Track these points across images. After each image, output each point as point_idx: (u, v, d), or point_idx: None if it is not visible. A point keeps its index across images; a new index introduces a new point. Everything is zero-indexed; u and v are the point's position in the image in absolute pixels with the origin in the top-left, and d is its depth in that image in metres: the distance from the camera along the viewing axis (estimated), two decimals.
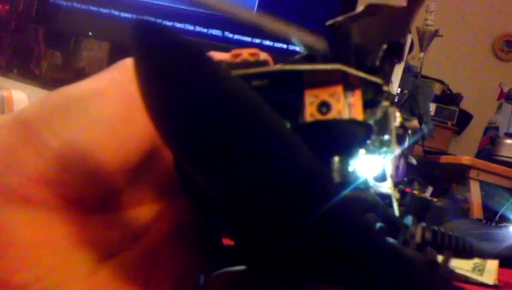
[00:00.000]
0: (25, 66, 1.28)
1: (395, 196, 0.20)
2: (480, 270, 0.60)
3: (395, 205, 0.20)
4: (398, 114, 0.20)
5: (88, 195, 0.18)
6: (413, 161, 1.61)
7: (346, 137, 0.18)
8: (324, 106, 0.17)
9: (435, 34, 1.77)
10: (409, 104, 1.59)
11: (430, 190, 1.81)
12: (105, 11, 1.08)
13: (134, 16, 1.02)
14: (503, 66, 3.22)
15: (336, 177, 0.17)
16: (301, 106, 0.18)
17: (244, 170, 0.14)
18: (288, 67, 0.17)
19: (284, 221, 0.15)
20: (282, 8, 0.95)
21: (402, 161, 1.39)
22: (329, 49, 0.19)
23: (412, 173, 1.60)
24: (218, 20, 0.94)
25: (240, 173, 0.14)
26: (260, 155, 0.13)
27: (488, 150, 2.37)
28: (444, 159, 1.98)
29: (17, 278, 0.17)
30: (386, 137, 0.19)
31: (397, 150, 0.19)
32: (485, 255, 0.66)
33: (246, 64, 0.18)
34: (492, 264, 0.61)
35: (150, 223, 0.21)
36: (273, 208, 0.14)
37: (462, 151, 2.56)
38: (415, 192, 1.49)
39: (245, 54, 0.19)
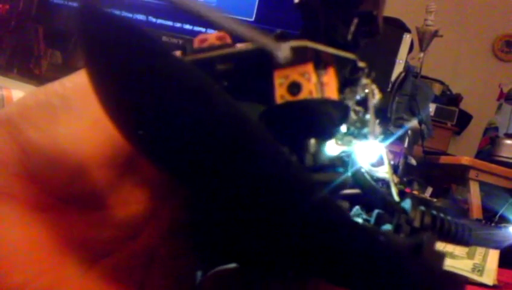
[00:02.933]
0: (24, 66, 1.28)
1: (393, 180, 0.20)
2: (480, 271, 0.60)
3: (393, 189, 0.19)
4: (376, 91, 0.19)
5: (75, 191, 0.18)
6: (413, 162, 1.61)
7: (319, 118, 0.17)
8: (294, 87, 0.16)
9: (435, 34, 1.77)
10: (409, 104, 1.59)
11: (429, 190, 1.81)
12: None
13: (135, 16, 1.02)
14: (503, 67, 3.22)
15: (309, 160, 0.17)
16: (271, 88, 0.17)
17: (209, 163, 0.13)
18: (250, 47, 0.16)
19: (249, 210, 0.14)
20: (282, 8, 0.95)
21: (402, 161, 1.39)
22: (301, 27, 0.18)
23: (411, 174, 1.60)
24: (143, 5, 0.98)
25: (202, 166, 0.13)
26: (214, 145, 0.13)
27: (487, 150, 2.37)
28: (443, 159, 1.98)
29: (5, 282, 0.17)
30: (367, 116, 0.18)
31: (377, 129, 0.18)
32: (484, 244, 0.66)
33: (212, 48, 0.17)
34: (492, 264, 0.61)
35: (143, 222, 0.20)
36: (234, 198, 0.14)
37: (462, 152, 2.55)
38: (415, 192, 1.49)
39: (212, 38, 0.18)
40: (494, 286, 0.60)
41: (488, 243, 0.73)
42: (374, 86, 0.19)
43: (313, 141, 0.17)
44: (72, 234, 0.18)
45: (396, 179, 0.20)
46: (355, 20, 0.18)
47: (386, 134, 0.20)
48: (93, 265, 0.19)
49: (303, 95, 0.16)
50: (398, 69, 1.10)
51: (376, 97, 0.19)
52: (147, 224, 0.20)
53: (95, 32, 0.13)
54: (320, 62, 0.17)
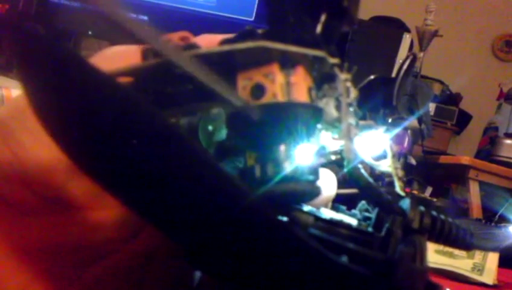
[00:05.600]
0: None
1: (397, 174, 0.19)
2: (480, 270, 0.60)
3: (397, 183, 0.18)
4: (352, 89, 0.17)
5: (69, 194, 0.18)
6: (413, 161, 1.61)
7: (282, 123, 0.15)
8: (258, 89, 0.15)
9: (435, 34, 1.77)
10: (408, 104, 1.59)
11: (429, 190, 1.80)
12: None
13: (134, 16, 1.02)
14: (503, 66, 3.22)
15: (271, 170, 0.15)
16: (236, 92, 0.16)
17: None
18: (212, 49, 0.15)
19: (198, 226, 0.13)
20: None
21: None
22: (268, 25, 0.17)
23: (411, 173, 1.60)
24: None
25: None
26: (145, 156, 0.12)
27: (487, 150, 2.37)
28: (443, 159, 1.98)
29: (0, 288, 0.17)
30: (351, 113, 0.17)
31: (352, 130, 0.17)
32: (485, 248, 0.66)
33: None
34: (492, 264, 0.61)
35: (142, 222, 0.20)
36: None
37: (462, 152, 2.55)
38: (415, 192, 1.49)
39: (175, 38, 0.17)
40: (494, 286, 0.60)
41: (488, 246, 0.73)
42: (349, 84, 0.17)
43: (281, 147, 0.15)
44: (67, 236, 0.18)
45: (401, 173, 0.19)
46: (324, 15, 0.17)
47: (389, 125, 0.19)
48: (91, 266, 0.19)
49: (266, 98, 0.15)
50: (398, 68, 1.10)
51: (351, 95, 0.17)
52: (146, 224, 0.20)
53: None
54: (288, 61, 0.16)
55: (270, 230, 0.13)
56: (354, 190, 0.20)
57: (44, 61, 0.13)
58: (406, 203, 0.18)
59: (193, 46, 0.17)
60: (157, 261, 0.20)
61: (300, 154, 0.16)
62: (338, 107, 0.17)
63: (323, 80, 0.17)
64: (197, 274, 0.22)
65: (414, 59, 0.20)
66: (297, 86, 0.15)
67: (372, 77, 0.19)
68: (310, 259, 0.13)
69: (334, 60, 0.17)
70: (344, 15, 0.17)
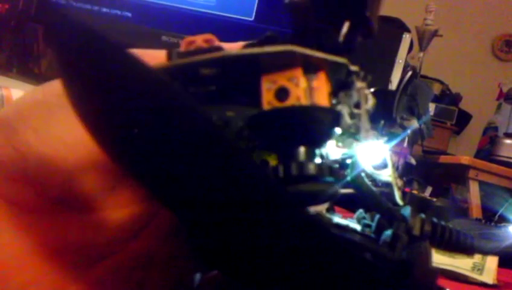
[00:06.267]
0: (24, 65, 1.27)
1: (397, 183, 0.19)
2: (480, 270, 0.60)
3: (397, 193, 0.19)
4: (370, 96, 0.18)
5: (72, 194, 0.18)
6: (413, 161, 1.61)
7: (306, 126, 0.16)
8: (282, 92, 0.16)
9: (435, 33, 1.77)
10: (408, 103, 1.59)
11: (429, 189, 1.81)
12: (105, 10, 1.08)
13: (134, 15, 1.02)
14: (503, 66, 3.22)
15: (295, 169, 0.16)
16: (259, 93, 0.16)
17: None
18: (233, 53, 0.16)
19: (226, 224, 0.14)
20: (282, 7, 0.95)
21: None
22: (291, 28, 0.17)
23: (411, 173, 1.60)
24: None
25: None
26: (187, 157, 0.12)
27: (487, 150, 2.37)
28: (443, 159, 1.98)
29: (2, 287, 0.17)
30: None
31: (370, 136, 0.17)
32: (485, 252, 0.66)
33: (200, 51, 0.17)
34: (491, 263, 0.61)
35: (143, 223, 0.20)
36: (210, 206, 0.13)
37: (462, 151, 2.56)
38: (414, 192, 1.49)
39: (199, 40, 0.18)
40: (494, 286, 0.60)
41: (488, 248, 0.73)
42: (367, 91, 0.18)
43: (302, 149, 0.16)
44: (69, 237, 0.18)
45: (400, 183, 0.19)
46: (347, 23, 0.17)
47: (389, 135, 0.19)
48: (93, 266, 0.19)
49: (290, 101, 0.16)
50: (398, 68, 1.10)
51: (369, 103, 0.18)
52: (147, 225, 0.20)
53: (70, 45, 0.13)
54: (311, 66, 0.16)
55: (305, 226, 0.13)
56: (349, 190, 0.20)
57: (83, 55, 0.13)
58: (406, 211, 0.18)
59: (218, 49, 0.17)
60: (158, 262, 0.20)
61: (321, 156, 0.16)
62: (352, 115, 0.17)
63: (339, 87, 0.17)
64: (197, 275, 0.22)
65: (414, 74, 0.21)
66: (319, 90, 0.16)
67: (371, 89, 0.19)
68: (339, 255, 0.14)
69: (354, 68, 0.17)
70: (365, 25, 0.18)
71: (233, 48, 0.20)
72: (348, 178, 0.18)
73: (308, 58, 0.16)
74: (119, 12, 1.09)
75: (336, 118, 0.17)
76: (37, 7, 1.25)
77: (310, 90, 0.16)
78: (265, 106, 0.16)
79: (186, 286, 0.22)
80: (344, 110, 0.17)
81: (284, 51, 0.15)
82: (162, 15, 1.01)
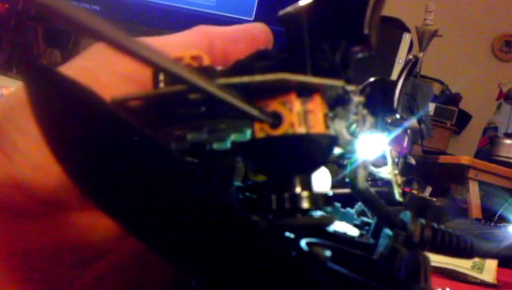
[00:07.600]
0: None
1: (396, 181, 0.19)
2: (480, 269, 0.60)
3: (396, 189, 0.19)
4: (368, 116, 0.17)
5: (64, 196, 0.17)
6: (412, 161, 1.61)
7: (302, 157, 0.15)
8: (275, 118, 0.15)
9: (434, 33, 1.77)
10: (408, 104, 1.59)
11: (429, 189, 1.81)
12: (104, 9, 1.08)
13: (134, 15, 1.02)
14: (503, 66, 3.22)
15: (288, 203, 0.15)
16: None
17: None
18: (221, 83, 0.15)
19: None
20: (282, 7, 0.95)
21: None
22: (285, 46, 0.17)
23: (411, 173, 1.60)
24: None
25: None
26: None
27: (487, 150, 2.37)
28: (443, 159, 1.98)
29: None
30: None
31: (364, 153, 0.17)
32: (485, 255, 0.66)
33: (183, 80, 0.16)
34: (491, 263, 0.61)
35: None
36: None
37: (461, 151, 2.56)
38: (414, 192, 1.49)
39: (187, 58, 0.17)
40: (494, 285, 0.60)
41: (488, 251, 0.73)
42: (365, 111, 0.17)
43: (296, 178, 0.15)
44: (64, 238, 0.18)
45: (400, 180, 0.19)
46: (343, 43, 0.17)
47: (389, 128, 0.19)
48: (90, 266, 0.19)
49: (283, 128, 0.15)
50: (398, 68, 1.10)
51: (367, 124, 0.17)
52: None
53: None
54: (305, 89, 0.15)
55: (284, 265, 0.13)
56: (346, 190, 0.20)
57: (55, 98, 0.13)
58: (406, 216, 0.18)
59: (208, 69, 0.16)
60: (156, 260, 0.20)
61: (316, 183, 0.16)
62: (349, 129, 0.17)
63: (336, 102, 0.16)
64: None
65: (416, 62, 0.20)
66: (314, 113, 0.15)
67: (372, 79, 0.19)
68: None
69: (351, 88, 0.17)
70: (364, 42, 0.17)
71: (228, 34, 0.20)
72: (346, 179, 0.18)
73: (303, 83, 0.15)
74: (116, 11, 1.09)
75: (332, 142, 0.16)
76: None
77: (305, 113, 0.15)
78: (258, 133, 0.15)
79: (183, 284, 0.22)
80: (342, 125, 0.17)
81: (274, 80, 0.15)
82: (162, 15, 1.01)
